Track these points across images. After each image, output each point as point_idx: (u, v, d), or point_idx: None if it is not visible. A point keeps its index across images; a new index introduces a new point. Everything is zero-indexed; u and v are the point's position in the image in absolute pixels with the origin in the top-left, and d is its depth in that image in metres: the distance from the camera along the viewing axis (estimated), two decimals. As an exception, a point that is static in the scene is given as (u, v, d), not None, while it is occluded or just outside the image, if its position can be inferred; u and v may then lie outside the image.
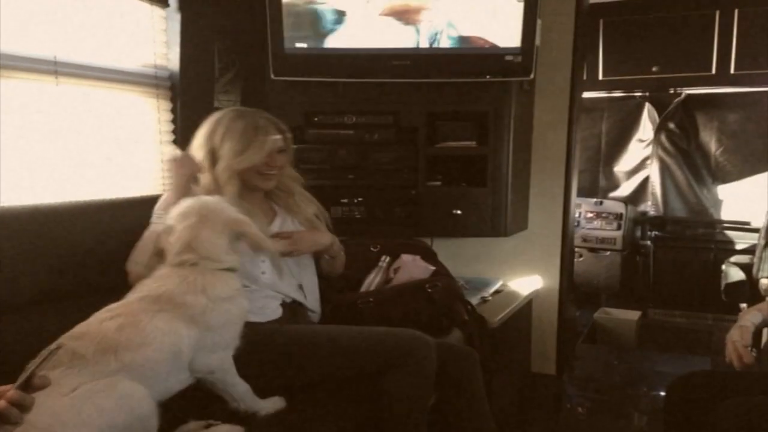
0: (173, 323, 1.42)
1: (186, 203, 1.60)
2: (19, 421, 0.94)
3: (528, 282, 3.06)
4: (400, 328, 1.82)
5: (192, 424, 1.51)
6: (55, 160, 1.99)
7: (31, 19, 1.90)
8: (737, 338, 1.72)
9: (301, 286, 2.01)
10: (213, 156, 1.89)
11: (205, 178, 1.89)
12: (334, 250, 2.08)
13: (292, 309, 1.96)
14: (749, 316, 1.79)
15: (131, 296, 1.49)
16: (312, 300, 2.04)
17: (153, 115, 2.36)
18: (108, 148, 2.18)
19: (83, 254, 1.83)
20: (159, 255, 1.58)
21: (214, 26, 2.55)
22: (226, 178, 1.87)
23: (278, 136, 1.95)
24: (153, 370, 1.39)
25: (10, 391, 0.93)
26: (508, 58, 2.57)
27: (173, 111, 2.40)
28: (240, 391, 1.58)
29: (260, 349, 1.67)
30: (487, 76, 2.61)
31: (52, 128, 1.98)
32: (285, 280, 1.95)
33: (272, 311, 1.90)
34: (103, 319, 1.40)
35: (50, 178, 1.97)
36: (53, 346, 1.04)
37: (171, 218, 1.58)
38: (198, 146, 1.91)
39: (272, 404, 1.63)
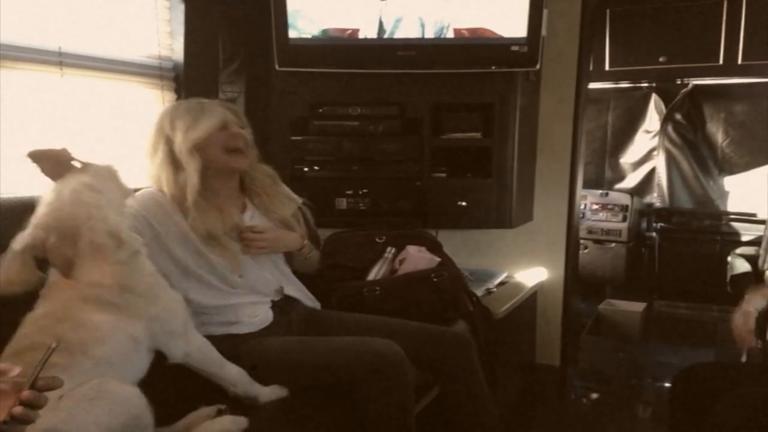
0: (116, 317, 1.40)
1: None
2: (34, 419, 0.96)
3: (533, 274, 3.05)
4: (370, 339, 1.74)
5: (203, 410, 1.52)
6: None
7: (36, 10, 1.90)
8: (741, 323, 1.73)
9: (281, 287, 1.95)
10: (169, 146, 1.78)
11: (169, 174, 1.79)
12: (303, 253, 2.03)
13: (283, 308, 1.93)
14: (753, 301, 1.79)
15: (48, 304, 1.40)
16: (295, 290, 1.99)
17: (158, 106, 2.36)
18: (113, 139, 2.18)
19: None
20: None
21: (219, 16, 2.54)
22: (186, 154, 1.75)
23: (230, 114, 1.87)
24: (123, 359, 1.38)
25: (25, 392, 0.95)
26: (514, 48, 2.55)
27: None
28: (233, 373, 1.57)
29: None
30: (493, 67, 2.60)
31: (56, 119, 1.98)
32: (263, 279, 1.91)
33: (261, 320, 1.85)
34: (45, 326, 1.34)
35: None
36: (53, 344, 1.03)
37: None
38: (152, 147, 1.80)
39: (272, 391, 1.62)
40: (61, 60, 1.97)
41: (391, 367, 1.65)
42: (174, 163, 1.79)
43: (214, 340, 1.60)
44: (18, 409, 0.93)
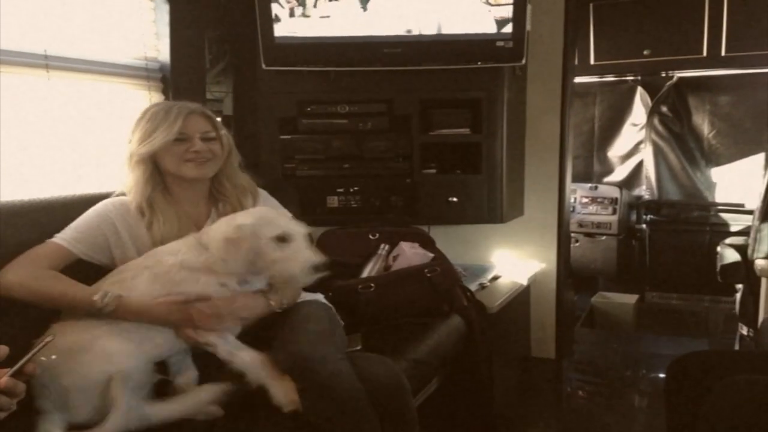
0: (150, 283, 1.51)
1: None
2: (11, 408, 0.95)
3: (525, 268, 3.06)
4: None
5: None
6: (48, 154, 1.98)
7: (21, 13, 1.89)
8: None
9: None
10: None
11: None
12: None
13: None
14: None
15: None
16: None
17: (145, 107, 2.34)
18: (101, 142, 2.16)
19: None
20: None
21: (204, 16, 2.53)
22: (133, 163, 1.71)
23: (201, 121, 1.74)
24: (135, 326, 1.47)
25: (3, 378, 0.94)
26: (500, 43, 2.56)
27: (165, 103, 2.38)
28: (246, 361, 1.50)
29: None
30: (479, 63, 2.60)
31: (44, 122, 1.97)
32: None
33: None
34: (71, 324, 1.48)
35: (43, 172, 1.96)
36: (48, 337, 1.03)
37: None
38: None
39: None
40: (47, 63, 1.95)
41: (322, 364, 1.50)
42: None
43: None
44: None
